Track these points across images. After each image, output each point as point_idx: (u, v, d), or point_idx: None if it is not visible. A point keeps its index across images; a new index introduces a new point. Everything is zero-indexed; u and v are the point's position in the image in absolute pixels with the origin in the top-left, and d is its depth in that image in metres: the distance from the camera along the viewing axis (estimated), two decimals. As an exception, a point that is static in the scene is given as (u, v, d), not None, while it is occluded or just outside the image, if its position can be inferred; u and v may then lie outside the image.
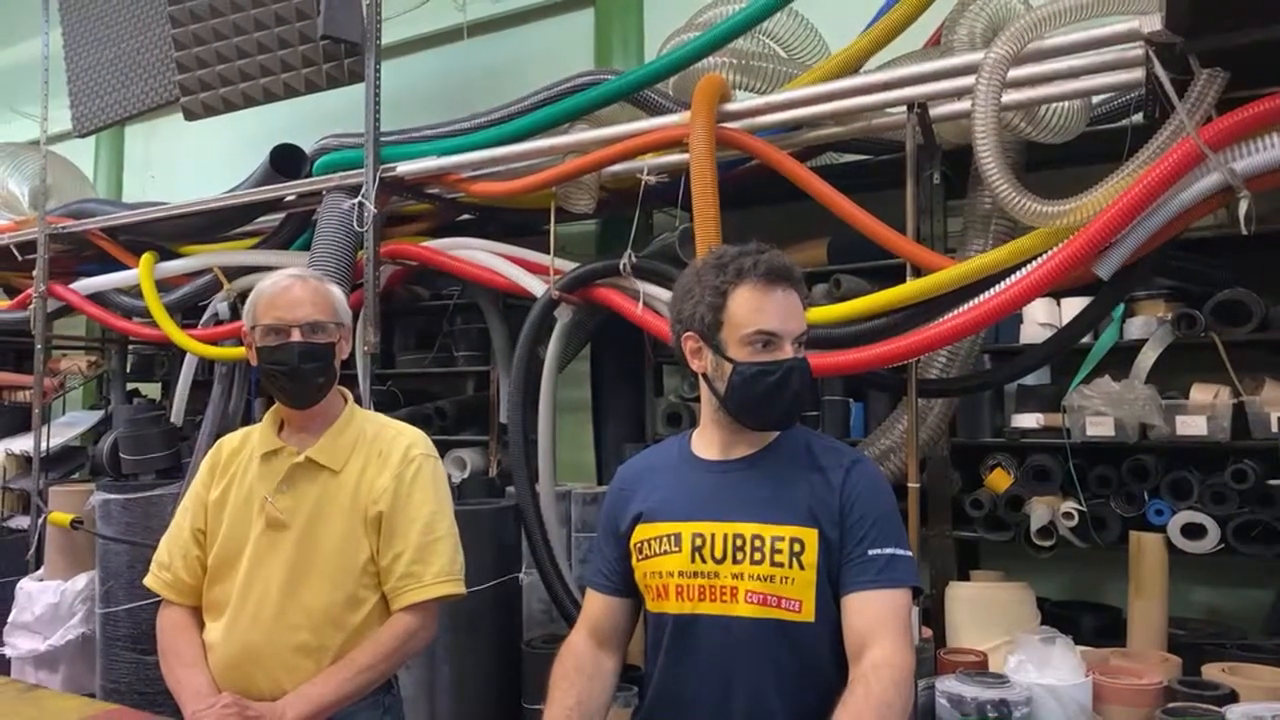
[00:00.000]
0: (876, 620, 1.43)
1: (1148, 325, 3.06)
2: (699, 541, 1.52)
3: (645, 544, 1.58)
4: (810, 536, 1.47)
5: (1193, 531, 2.87)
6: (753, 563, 1.48)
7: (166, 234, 4.23)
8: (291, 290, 1.81)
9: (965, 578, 3.10)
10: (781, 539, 1.48)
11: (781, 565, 1.47)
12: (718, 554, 1.50)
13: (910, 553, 1.50)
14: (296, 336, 1.78)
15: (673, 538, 1.54)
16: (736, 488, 1.54)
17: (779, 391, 1.50)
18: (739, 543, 1.49)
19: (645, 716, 1.60)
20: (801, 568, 1.46)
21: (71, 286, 4.40)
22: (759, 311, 1.50)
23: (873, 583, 1.45)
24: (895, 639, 1.41)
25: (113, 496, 3.72)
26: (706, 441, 1.63)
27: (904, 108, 2.64)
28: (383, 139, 3.45)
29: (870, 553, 1.46)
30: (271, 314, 1.79)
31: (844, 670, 1.44)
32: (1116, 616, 3.03)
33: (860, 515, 1.49)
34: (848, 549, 1.48)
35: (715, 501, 1.54)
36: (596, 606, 1.68)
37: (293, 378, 1.79)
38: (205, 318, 4.10)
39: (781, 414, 1.54)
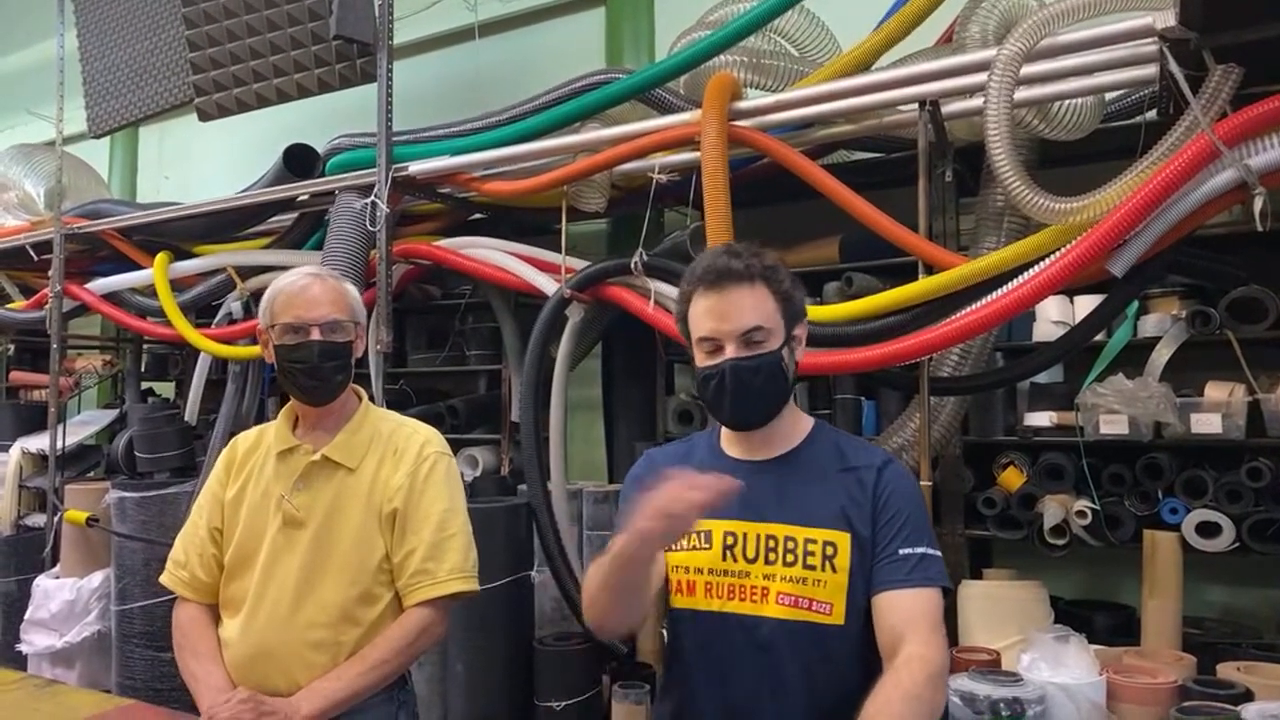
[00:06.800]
0: (910, 617, 1.42)
1: (1162, 322, 3.04)
2: (730, 540, 1.52)
3: None
4: (843, 540, 1.48)
5: (1207, 530, 2.85)
6: (785, 564, 1.49)
7: (180, 234, 4.26)
8: (310, 289, 1.82)
9: (978, 576, 3.09)
10: (814, 541, 1.49)
11: (814, 568, 1.48)
12: (749, 554, 1.51)
13: (939, 553, 1.51)
14: (316, 335, 1.79)
15: (703, 534, 1.54)
16: (770, 488, 1.55)
17: (721, 394, 1.51)
18: (771, 544, 1.50)
19: (668, 713, 1.60)
20: (834, 570, 1.47)
21: (87, 286, 4.44)
22: (702, 317, 1.53)
23: (905, 581, 1.45)
24: (929, 636, 1.41)
25: (128, 494, 3.75)
26: (731, 438, 1.64)
27: (916, 105, 2.63)
28: (395, 139, 3.46)
29: (902, 552, 1.47)
30: (290, 312, 1.81)
31: (869, 671, 1.44)
32: (1130, 615, 3.02)
33: (893, 514, 1.50)
34: (880, 547, 1.48)
35: (748, 502, 1.52)
36: None
37: (312, 376, 1.80)
38: (219, 317, 4.13)
39: (732, 413, 1.55)
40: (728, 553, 1.52)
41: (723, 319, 1.51)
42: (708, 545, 1.54)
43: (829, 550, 1.48)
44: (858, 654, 1.48)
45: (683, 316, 1.58)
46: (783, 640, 1.47)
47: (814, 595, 1.47)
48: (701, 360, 1.54)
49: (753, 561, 1.50)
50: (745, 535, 1.52)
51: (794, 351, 1.57)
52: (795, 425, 1.61)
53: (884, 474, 1.53)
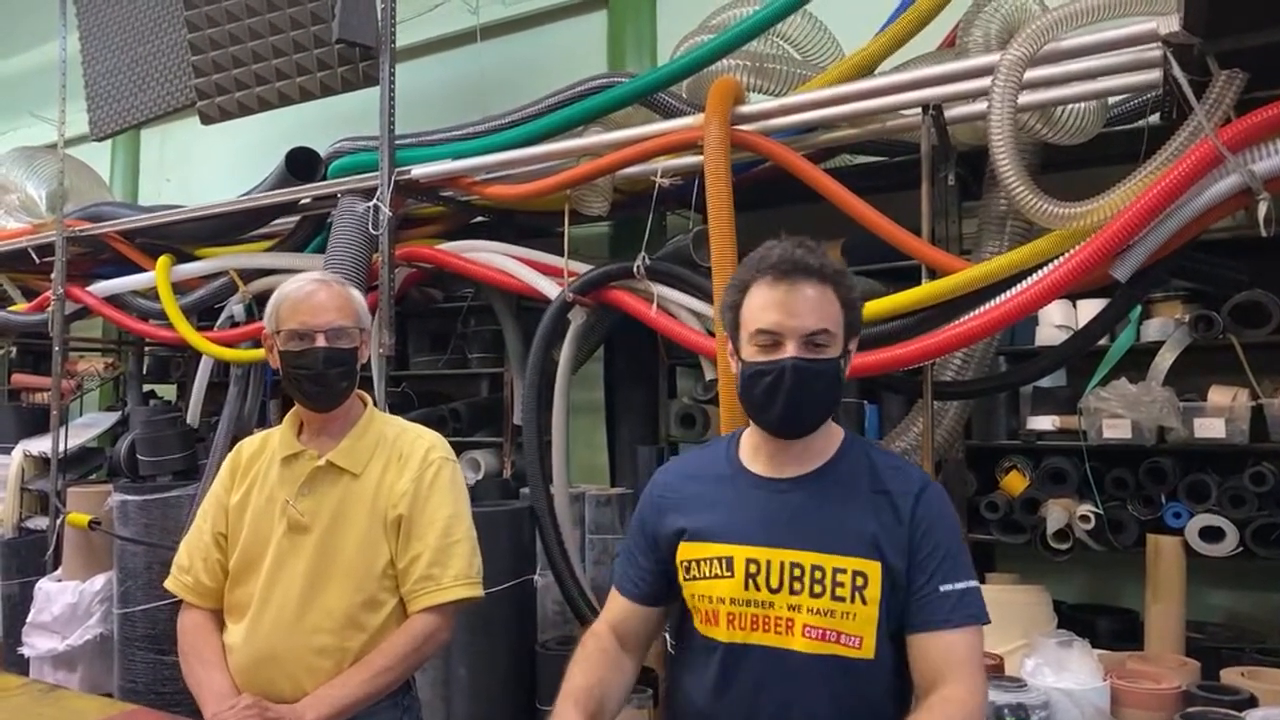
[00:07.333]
0: (948, 661, 1.36)
1: (1165, 327, 3.04)
2: (753, 569, 1.43)
3: (694, 564, 1.49)
4: (874, 570, 1.39)
5: (1211, 534, 2.85)
6: (812, 595, 1.40)
7: (182, 237, 4.26)
8: (316, 295, 1.82)
9: (981, 580, 3.05)
10: (844, 571, 1.39)
11: (843, 600, 1.39)
12: (773, 583, 1.41)
13: (978, 583, 1.43)
14: (321, 341, 1.79)
15: (724, 561, 1.45)
16: (795, 511, 1.45)
17: (774, 394, 1.40)
18: (797, 573, 1.40)
19: None
20: (864, 602, 1.38)
21: (89, 289, 4.44)
22: (763, 309, 1.41)
23: (945, 622, 1.38)
24: (968, 679, 1.35)
25: (130, 497, 3.75)
26: (755, 451, 1.53)
27: (919, 109, 2.63)
28: (397, 142, 3.46)
29: (942, 589, 1.39)
30: (296, 318, 1.80)
31: (902, 702, 1.40)
32: (1134, 620, 3.02)
33: (932, 548, 1.41)
34: (917, 583, 1.40)
35: (771, 525, 1.44)
36: (622, 609, 1.59)
37: (318, 382, 1.80)
38: (221, 320, 4.13)
39: (782, 418, 1.43)
40: (750, 581, 1.42)
41: (790, 314, 1.40)
42: (730, 573, 1.44)
43: (859, 581, 1.38)
44: (889, 685, 1.42)
45: (734, 305, 1.46)
46: (810, 673, 1.39)
47: (843, 628, 1.38)
48: (752, 355, 1.42)
49: (776, 591, 1.41)
50: (769, 563, 1.42)
51: (846, 366, 1.47)
52: (829, 439, 1.51)
53: (921, 501, 1.43)
